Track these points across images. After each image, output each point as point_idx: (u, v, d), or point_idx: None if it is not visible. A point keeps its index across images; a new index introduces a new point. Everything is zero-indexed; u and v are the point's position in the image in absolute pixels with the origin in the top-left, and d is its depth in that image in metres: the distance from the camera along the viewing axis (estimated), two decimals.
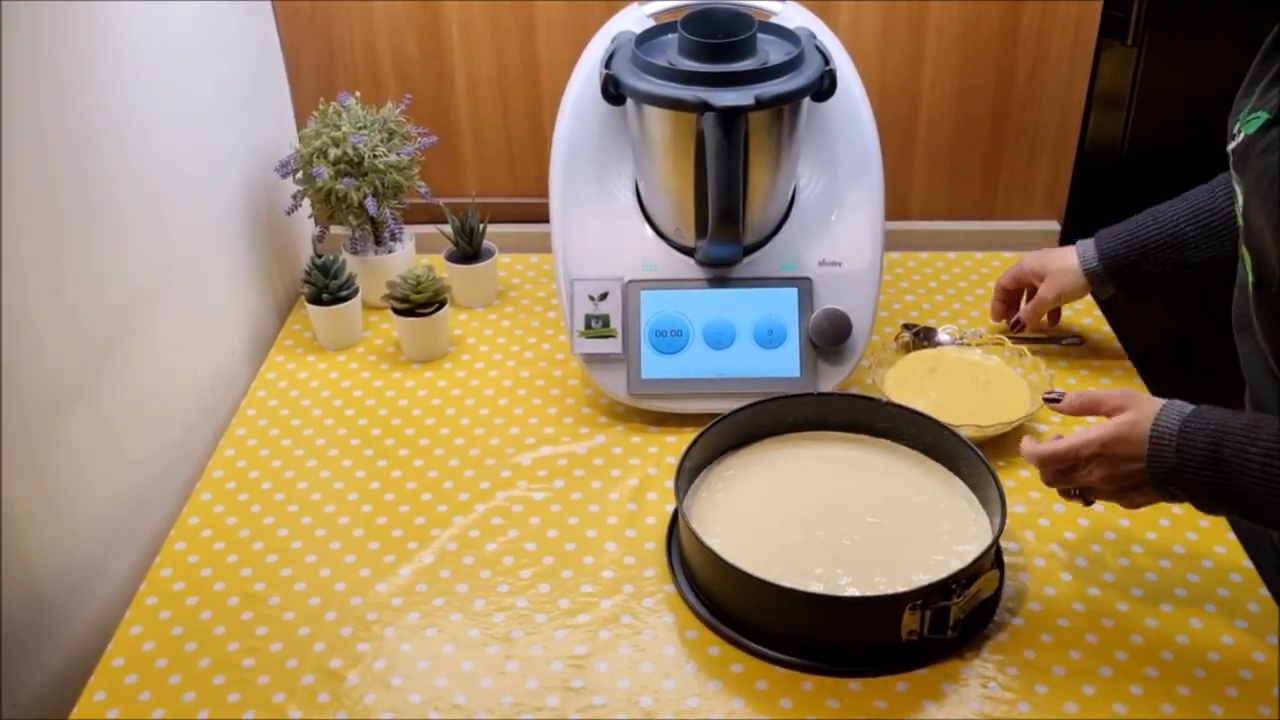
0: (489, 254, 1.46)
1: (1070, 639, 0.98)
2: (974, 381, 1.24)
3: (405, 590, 1.05)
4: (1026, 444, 0.98)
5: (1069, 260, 1.25)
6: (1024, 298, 1.33)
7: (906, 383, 1.24)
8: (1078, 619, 1.00)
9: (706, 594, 1.02)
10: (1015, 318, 1.32)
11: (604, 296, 1.24)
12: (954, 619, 0.95)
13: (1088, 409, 0.98)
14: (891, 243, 1.53)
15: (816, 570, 1.00)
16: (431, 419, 1.27)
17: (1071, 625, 1.00)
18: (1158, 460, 0.89)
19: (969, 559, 0.97)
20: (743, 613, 0.99)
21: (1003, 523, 0.99)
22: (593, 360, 1.24)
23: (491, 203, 1.55)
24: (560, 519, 1.13)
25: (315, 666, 0.97)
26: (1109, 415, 0.93)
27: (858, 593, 0.98)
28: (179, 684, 0.96)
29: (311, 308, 1.37)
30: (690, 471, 1.10)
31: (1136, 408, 0.91)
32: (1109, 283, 1.23)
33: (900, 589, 0.97)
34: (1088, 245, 1.24)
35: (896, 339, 1.30)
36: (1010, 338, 1.29)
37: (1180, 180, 1.20)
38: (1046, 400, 1.03)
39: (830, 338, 1.22)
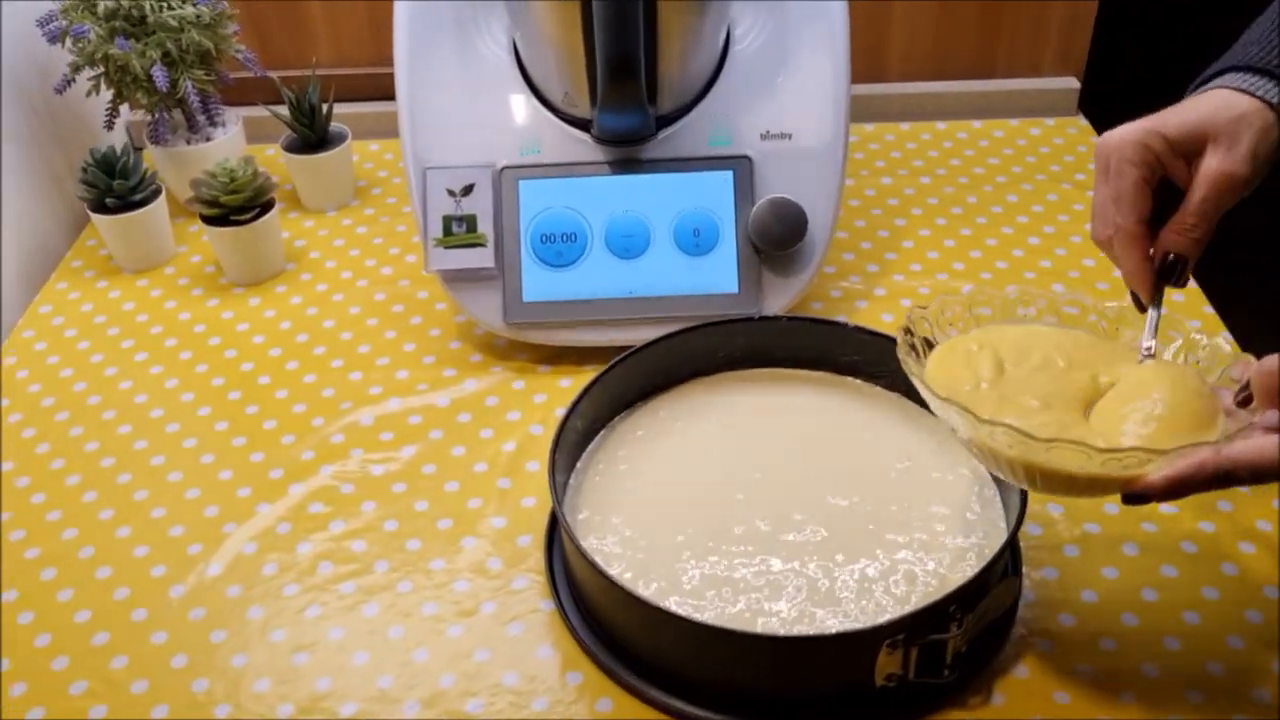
0: (339, 140, 1.12)
1: (1120, 672, 0.68)
2: (1049, 366, 0.66)
3: (173, 621, 0.74)
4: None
5: (1238, 105, 0.63)
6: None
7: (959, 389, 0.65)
8: (1130, 640, 0.70)
9: (599, 620, 0.71)
10: (1166, 253, 0.65)
11: (468, 190, 0.90)
12: (952, 654, 0.64)
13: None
14: (861, 111, 1.19)
15: (758, 584, 0.69)
16: (249, 363, 0.95)
17: (1121, 650, 0.69)
18: None
19: (974, 565, 0.67)
20: (650, 650, 0.68)
21: (1023, 505, 0.68)
22: (456, 278, 0.91)
23: (345, 75, 1.20)
24: (403, 504, 0.81)
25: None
26: None
27: (813, 623, 0.67)
28: None
29: (97, 218, 1.03)
30: (579, 435, 0.78)
31: None
32: None
33: (873, 615, 0.66)
34: (1240, 76, 0.64)
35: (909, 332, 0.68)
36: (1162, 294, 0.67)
37: (1231, 19, 0.85)
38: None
39: (778, 238, 0.89)
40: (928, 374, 0.65)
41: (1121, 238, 0.64)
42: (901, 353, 0.65)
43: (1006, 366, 0.65)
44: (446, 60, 0.92)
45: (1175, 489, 0.56)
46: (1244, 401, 0.58)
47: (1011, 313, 0.69)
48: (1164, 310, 0.65)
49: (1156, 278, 0.65)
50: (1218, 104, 0.63)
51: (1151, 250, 0.65)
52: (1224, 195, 0.63)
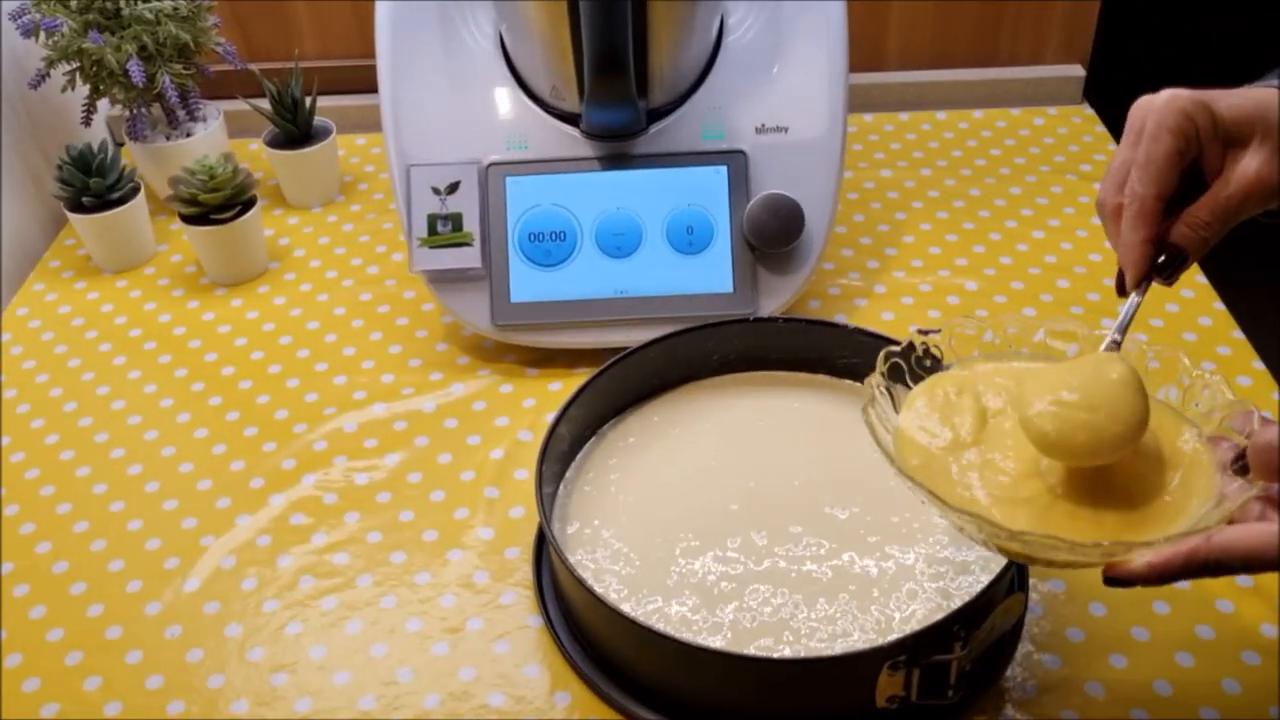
0: (323, 135, 1.08)
1: (1132, 688, 0.65)
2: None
3: (149, 640, 0.71)
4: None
5: None
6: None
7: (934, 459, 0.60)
8: (1142, 655, 0.67)
9: (588, 638, 0.68)
10: (1171, 244, 0.58)
11: (454, 188, 0.87)
12: (956, 675, 0.61)
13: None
14: (859, 101, 1.16)
15: (754, 601, 0.67)
16: (230, 367, 0.92)
17: (1132, 665, 0.67)
18: None
19: (979, 579, 0.64)
20: (641, 670, 0.65)
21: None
22: (442, 279, 0.88)
23: (330, 67, 1.17)
24: (388, 515, 0.79)
25: None
26: None
27: (811, 642, 0.65)
28: None
29: (74, 217, 1.00)
30: (567, 443, 0.75)
31: None
32: None
33: (874, 634, 0.64)
34: None
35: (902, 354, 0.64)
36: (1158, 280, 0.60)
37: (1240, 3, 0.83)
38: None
39: (774, 236, 0.86)
40: (903, 420, 0.60)
41: (1134, 209, 0.57)
42: (869, 413, 0.59)
43: (990, 415, 0.60)
44: (430, 54, 0.89)
45: (1160, 576, 0.51)
46: (1241, 469, 0.53)
47: (1027, 341, 0.63)
48: (1141, 300, 0.59)
49: (1151, 266, 0.58)
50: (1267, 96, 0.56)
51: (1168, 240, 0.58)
52: (1252, 201, 0.56)
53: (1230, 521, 0.51)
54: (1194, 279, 0.94)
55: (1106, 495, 0.55)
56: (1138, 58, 1.14)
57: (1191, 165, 0.58)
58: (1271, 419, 0.55)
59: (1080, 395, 0.54)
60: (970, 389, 0.61)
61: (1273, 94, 0.57)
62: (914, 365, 0.63)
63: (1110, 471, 0.56)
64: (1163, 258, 0.58)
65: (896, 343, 0.64)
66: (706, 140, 0.88)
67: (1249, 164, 0.56)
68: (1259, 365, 0.86)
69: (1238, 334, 0.90)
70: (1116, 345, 0.59)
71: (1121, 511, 0.55)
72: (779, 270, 0.87)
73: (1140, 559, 0.51)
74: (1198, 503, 0.54)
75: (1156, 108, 0.57)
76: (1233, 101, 0.56)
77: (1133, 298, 0.59)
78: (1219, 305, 0.92)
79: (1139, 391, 0.55)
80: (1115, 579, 0.52)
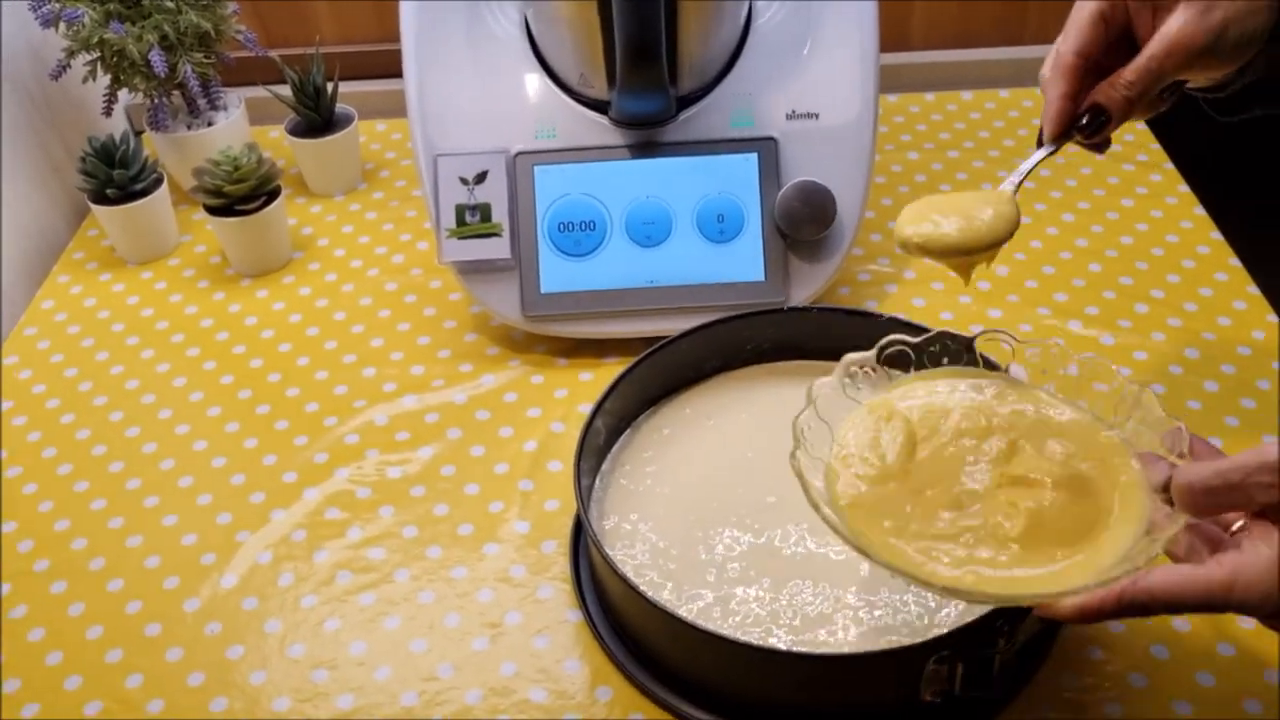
0: (345, 122, 1.08)
1: (1175, 679, 0.65)
2: (964, 436, 0.61)
3: (189, 636, 0.72)
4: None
5: None
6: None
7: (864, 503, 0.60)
8: (1184, 646, 0.67)
9: (629, 632, 0.68)
10: (1092, 102, 0.60)
11: (481, 178, 0.87)
12: (999, 668, 0.61)
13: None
14: (884, 81, 1.14)
15: (795, 595, 0.66)
16: (258, 359, 0.92)
17: (1175, 657, 0.66)
18: None
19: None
20: (683, 666, 0.65)
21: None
22: (471, 270, 0.87)
23: (350, 52, 1.16)
24: (422, 508, 0.79)
25: None
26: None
27: (854, 636, 0.64)
28: None
29: (97, 209, 1.00)
30: (602, 436, 0.75)
31: None
32: None
33: (916, 629, 0.64)
34: None
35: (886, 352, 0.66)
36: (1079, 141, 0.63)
37: None
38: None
39: (805, 223, 0.85)
40: (834, 453, 0.61)
41: (1055, 67, 0.60)
42: (795, 461, 0.58)
43: (919, 442, 0.60)
44: (456, 42, 0.88)
45: (1091, 617, 0.52)
46: (1170, 500, 0.53)
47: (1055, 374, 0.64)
48: (1050, 153, 0.62)
49: (1072, 123, 0.61)
50: None
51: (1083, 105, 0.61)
52: (1176, 61, 0.57)
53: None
54: (1209, 236, 0.97)
55: (1049, 529, 0.56)
56: None
57: (1128, 33, 0.60)
58: (1204, 443, 0.56)
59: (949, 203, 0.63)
60: (901, 414, 0.62)
61: None
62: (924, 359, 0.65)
63: (1052, 504, 0.56)
64: (1086, 117, 0.60)
65: (936, 331, 0.65)
66: (736, 127, 0.87)
67: (1172, 24, 0.57)
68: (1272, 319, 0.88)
69: (1253, 289, 0.92)
70: (1014, 187, 0.64)
71: (1066, 544, 0.55)
72: (810, 258, 0.87)
73: (1070, 602, 0.52)
74: (1130, 531, 0.55)
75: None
76: None
77: (1040, 151, 0.62)
78: (1235, 261, 0.94)
79: (1008, 202, 0.62)
80: (1044, 616, 0.54)
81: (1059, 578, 0.54)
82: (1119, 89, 0.59)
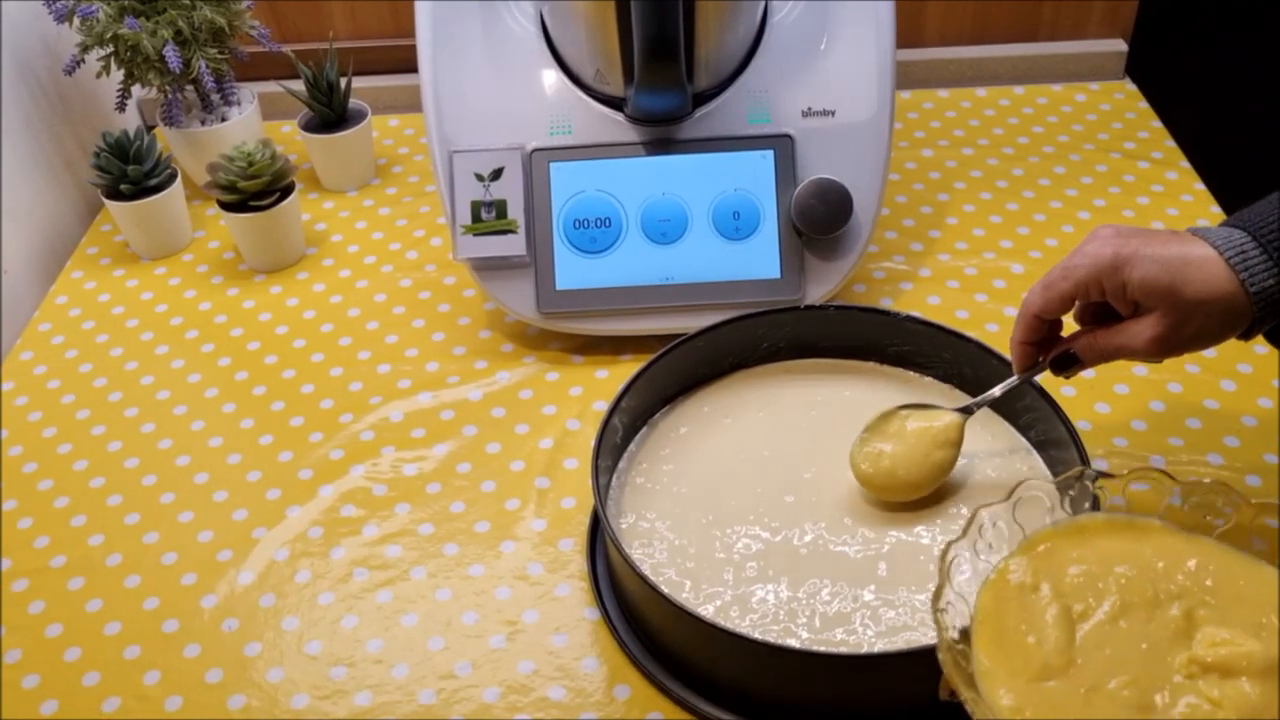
0: (359, 118, 1.08)
1: None
2: (1131, 610, 0.53)
3: (206, 633, 0.72)
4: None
5: (1217, 284, 0.59)
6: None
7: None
8: None
9: (647, 630, 0.68)
10: (1066, 349, 0.66)
11: (497, 174, 0.87)
12: None
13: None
14: (898, 78, 1.15)
15: (814, 593, 0.66)
16: (272, 355, 0.92)
17: None
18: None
19: None
20: (703, 666, 0.65)
21: (1094, 505, 0.64)
22: (486, 267, 0.87)
23: (364, 47, 1.16)
24: (438, 506, 0.79)
25: None
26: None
27: (875, 634, 0.64)
28: None
29: (111, 205, 1.00)
30: (619, 434, 0.75)
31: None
32: None
33: (931, 628, 0.63)
34: (1235, 239, 0.59)
35: None
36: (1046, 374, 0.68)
37: None
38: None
39: (821, 221, 0.85)
40: (977, 635, 0.51)
41: (1022, 314, 0.65)
42: (943, 653, 0.50)
43: (1074, 617, 0.51)
44: (472, 38, 0.88)
45: None
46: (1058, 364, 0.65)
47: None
48: (1019, 383, 0.68)
49: (1040, 365, 0.67)
50: (1199, 276, 0.58)
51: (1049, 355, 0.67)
52: (1143, 356, 0.62)
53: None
54: (1209, 210, 0.98)
55: None
56: (1181, 32, 1.12)
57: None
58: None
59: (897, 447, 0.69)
60: (1051, 578, 0.52)
61: (1201, 266, 0.59)
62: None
63: (1263, 698, 0.48)
64: (1060, 362, 0.66)
65: (952, 332, 0.65)
66: (752, 124, 0.87)
67: (1144, 330, 0.61)
68: None
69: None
70: (969, 413, 0.70)
71: None
72: (826, 256, 0.87)
73: None
74: None
75: (1086, 250, 0.61)
76: (1148, 271, 0.59)
77: (1009, 380, 0.68)
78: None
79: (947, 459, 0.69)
80: None
81: None
82: (1093, 350, 0.64)
